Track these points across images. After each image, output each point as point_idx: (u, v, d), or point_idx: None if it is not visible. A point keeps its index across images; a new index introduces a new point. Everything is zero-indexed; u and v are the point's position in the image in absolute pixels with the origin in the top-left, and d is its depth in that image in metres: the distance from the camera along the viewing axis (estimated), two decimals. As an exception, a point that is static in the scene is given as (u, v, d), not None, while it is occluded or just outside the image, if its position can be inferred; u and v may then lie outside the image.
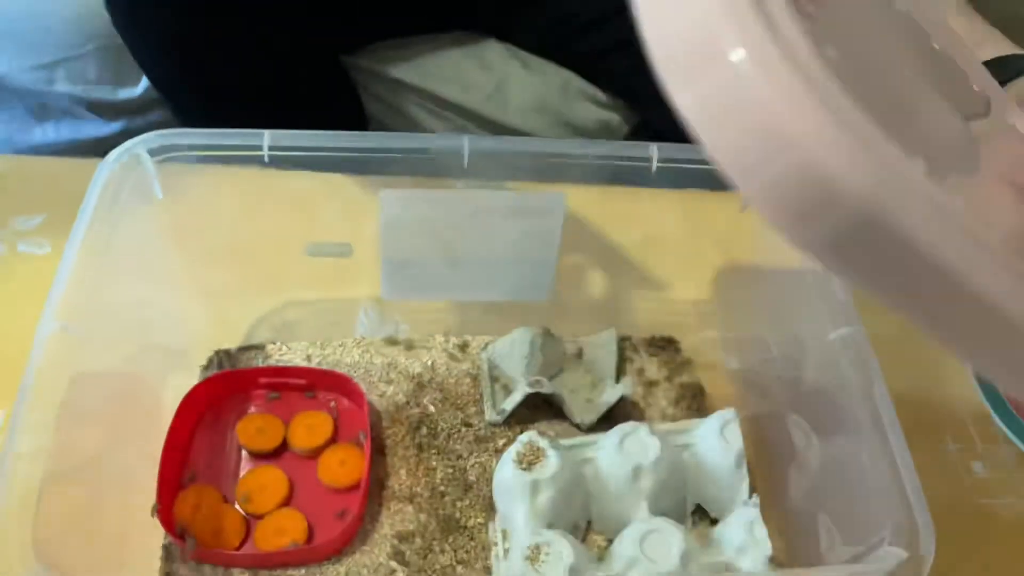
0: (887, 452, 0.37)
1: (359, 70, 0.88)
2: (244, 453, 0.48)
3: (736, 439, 0.47)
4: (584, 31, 0.85)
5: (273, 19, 0.71)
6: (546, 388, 0.50)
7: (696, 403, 0.54)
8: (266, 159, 0.46)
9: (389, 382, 0.53)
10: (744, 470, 0.47)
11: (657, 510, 0.46)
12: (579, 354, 0.55)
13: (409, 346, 0.55)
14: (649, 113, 0.86)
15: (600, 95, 0.89)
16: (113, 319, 0.44)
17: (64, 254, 0.41)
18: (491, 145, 0.48)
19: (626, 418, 0.52)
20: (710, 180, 0.48)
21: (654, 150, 0.48)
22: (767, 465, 0.50)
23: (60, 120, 0.95)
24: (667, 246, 0.56)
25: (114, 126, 0.94)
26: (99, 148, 0.94)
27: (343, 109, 0.88)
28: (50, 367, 0.37)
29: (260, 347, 0.54)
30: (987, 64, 0.46)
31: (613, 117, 0.90)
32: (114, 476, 0.44)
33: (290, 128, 0.86)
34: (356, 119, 0.90)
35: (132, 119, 0.94)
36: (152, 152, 0.45)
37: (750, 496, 0.45)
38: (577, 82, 0.89)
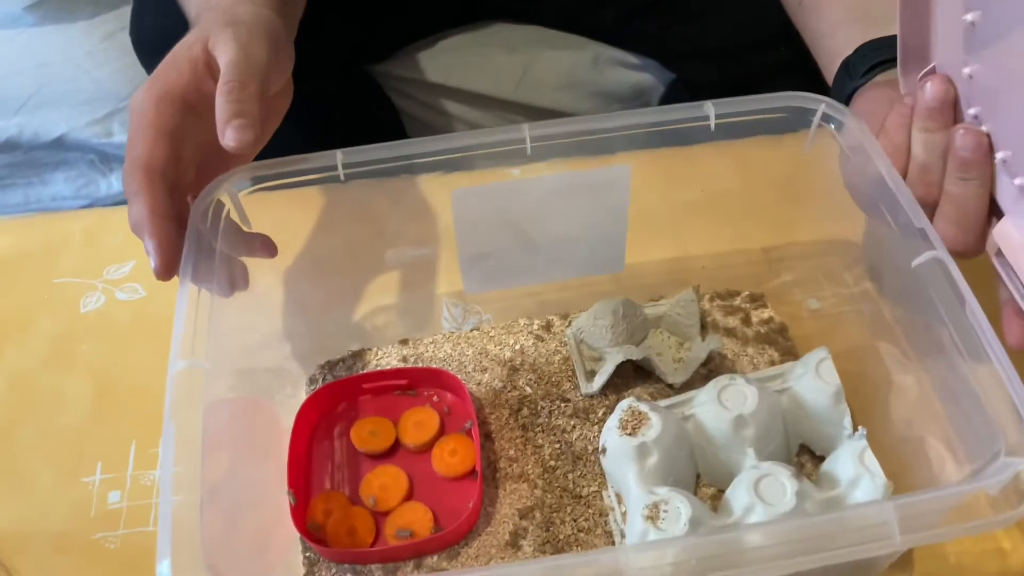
0: (990, 368, 0.37)
1: (388, 77, 0.89)
2: (362, 456, 0.51)
3: (832, 376, 0.48)
4: (604, 1, 0.84)
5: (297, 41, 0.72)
6: (635, 354, 0.52)
7: (784, 348, 0.55)
8: (342, 177, 0.48)
9: (484, 370, 0.55)
10: (844, 405, 0.48)
11: (763, 455, 0.47)
12: (661, 318, 0.56)
13: (496, 334, 0.57)
14: (684, 68, 0.86)
15: (631, 58, 0.89)
16: (226, 349, 0.47)
17: (177, 299, 0.43)
18: (550, 130, 0.49)
19: (717, 372, 0.53)
20: (765, 128, 0.49)
21: (710, 108, 0.48)
22: (865, 397, 0.50)
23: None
24: (730, 198, 0.56)
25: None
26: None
27: (379, 118, 0.90)
28: (183, 400, 0.40)
29: (359, 354, 0.56)
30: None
31: (646, 78, 0.90)
32: (248, 493, 0.47)
33: (332, 144, 0.88)
34: (394, 126, 0.91)
35: (189, 156, 0.98)
36: (237, 187, 0.47)
37: (854, 430, 0.46)
38: (606, 51, 0.89)
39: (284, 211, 0.51)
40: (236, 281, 0.47)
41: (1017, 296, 0.41)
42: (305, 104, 0.80)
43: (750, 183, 0.56)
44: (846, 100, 0.50)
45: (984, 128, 0.40)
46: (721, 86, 0.80)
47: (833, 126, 0.47)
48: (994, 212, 0.42)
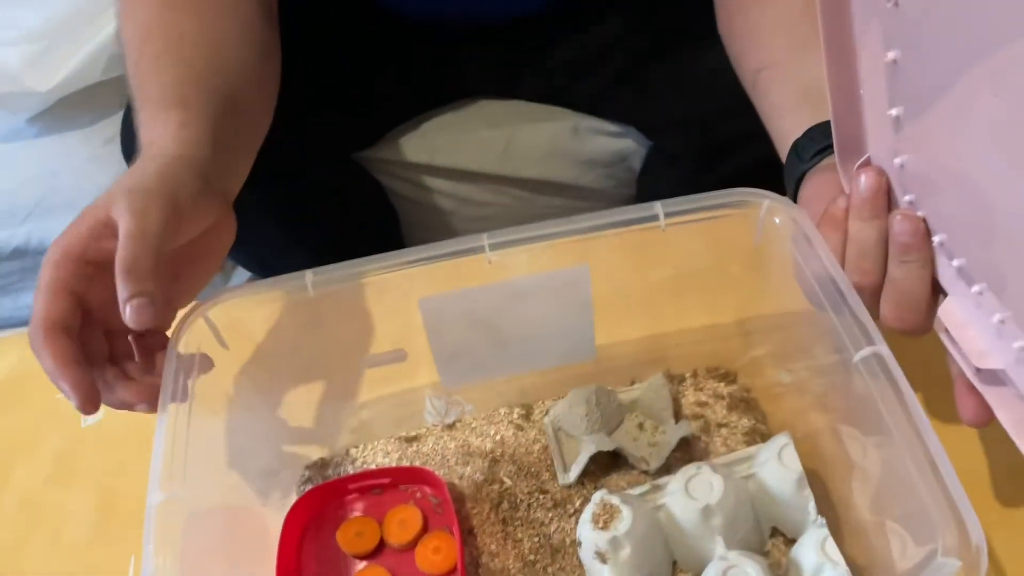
0: (929, 460, 0.39)
1: (374, 161, 0.91)
2: (348, 558, 0.53)
3: (794, 462, 0.49)
4: (583, 73, 0.87)
5: (281, 127, 0.75)
6: (606, 445, 0.53)
7: (756, 426, 0.57)
8: (311, 293, 0.51)
9: (466, 463, 0.57)
10: (807, 491, 0.49)
11: (734, 542, 0.48)
12: (635, 402, 0.58)
13: (477, 424, 0.59)
14: (660, 137, 0.88)
15: (610, 126, 0.91)
16: (212, 463, 0.50)
17: (156, 431, 0.45)
18: (509, 237, 0.51)
19: (690, 455, 0.55)
20: (721, 222, 0.51)
21: (660, 208, 0.51)
22: (835, 478, 0.51)
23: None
24: (700, 275, 0.57)
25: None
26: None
27: (369, 200, 0.92)
28: (164, 529, 0.42)
29: (345, 453, 0.58)
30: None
31: (627, 143, 0.92)
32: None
33: (325, 230, 0.90)
34: (383, 206, 0.94)
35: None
36: (212, 314, 0.50)
37: (816, 516, 0.47)
38: (586, 121, 0.91)
39: (264, 326, 0.53)
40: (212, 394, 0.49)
41: (967, 371, 0.42)
42: (295, 193, 0.83)
43: (717, 259, 0.57)
44: (796, 182, 0.52)
45: (920, 213, 0.42)
46: (696, 153, 0.83)
47: (778, 220, 0.49)
48: (939, 291, 0.43)
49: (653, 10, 0.82)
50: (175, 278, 0.48)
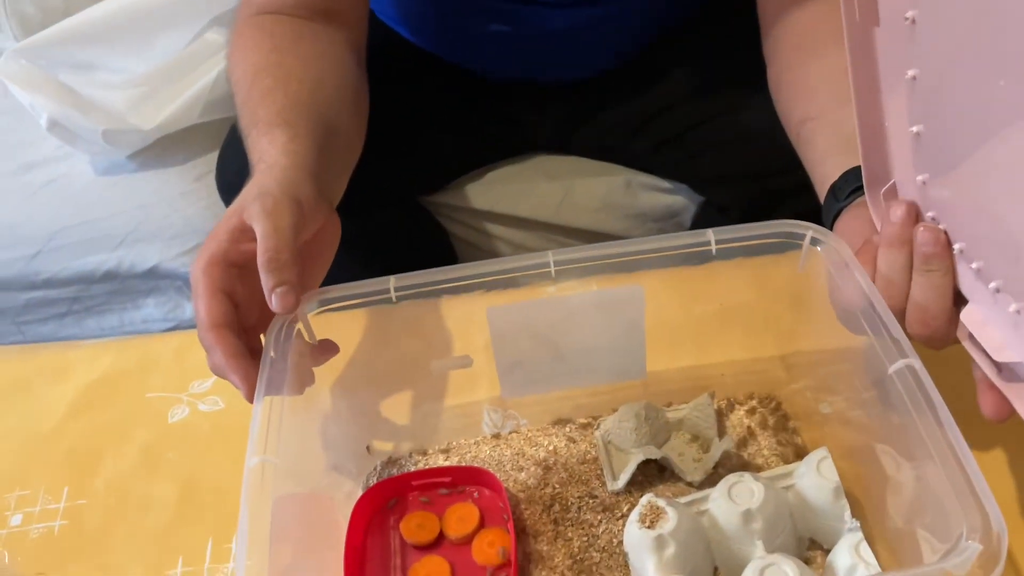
0: (960, 466, 0.42)
1: (439, 206, 0.97)
2: (410, 547, 0.57)
3: (832, 474, 0.52)
4: (633, 135, 0.92)
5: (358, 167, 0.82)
6: (655, 454, 0.57)
7: (794, 448, 0.60)
8: (394, 299, 0.56)
9: (520, 469, 0.61)
10: (843, 500, 0.52)
11: (772, 547, 0.51)
12: (682, 420, 0.62)
13: (532, 435, 0.63)
14: (711, 192, 0.93)
15: (662, 183, 0.96)
16: (293, 451, 0.54)
17: (254, 409, 0.50)
18: (572, 255, 0.56)
19: (733, 470, 0.58)
20: (763, 250, 0.56)
21: (711, 235, 0.55)
22: (870, 494, 0.54)
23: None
24: (744, 311, 0.62)
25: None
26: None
27: (432, 242, 0.98)
28: (256, 492, 0.47)
29: (409, 455, 0.63)
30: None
31: (678, 200, 0.96)
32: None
33: (388, 267, 0.96)
34: (444, 249, 1.00)
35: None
36: (306, 310, 0.56)
37: (851, 520, 0.50)
38: (639, 177, 0.96)
39: (344, 328, 0.58)
40: (304, 383, 0.54)
41: (988, 371, 0.45)
42: (364, 233, 0.89)
43: (761, 296, 0.61)
44: (832, 220, 0.56)
45: (941, 226, 0.46)
46: (745, 205, 0.87)
47: (820, 248, 0.54)
48: (959, 303, 0.47)
49: (705, 74, 0.88)
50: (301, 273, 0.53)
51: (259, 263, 0.49)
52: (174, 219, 1.05)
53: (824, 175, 0.58)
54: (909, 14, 0.40)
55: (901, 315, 0.48)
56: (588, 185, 0.97)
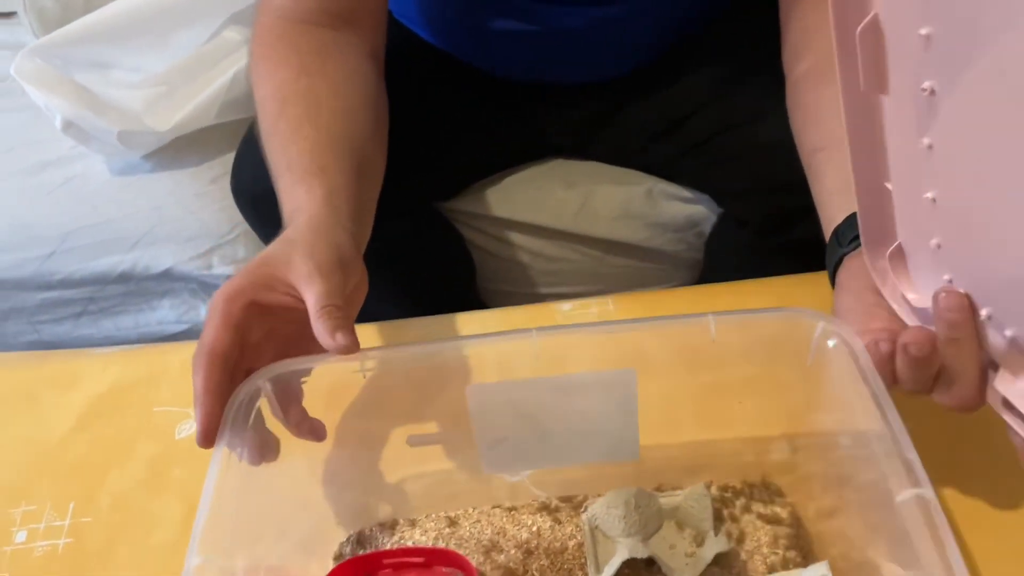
0: None
1: (456, 212, 0.95)
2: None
3: (832, 594, 0.48)
4: (653, 141, 0.89)
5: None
6: (642, 552, 0.53)
7: (797, 547, 0.55)
8: (363, 376, 0.53)
9: (500, 551, 0.57)
10: (843, 625, 0.47)
11: (764, 668, 0.47)
12: (676, 509, 0.57)
13: (516, 512, 0.59)
14: (731, 204, 0.89)
15: (683, 192, 0.93)
16: (253, 525, 0.52)
17: (204, 485, 0.48)
18: (558, 333, 0.52)
19: (727, 571, 0.54)
20: (773, 339, 0.51)
21: (711, 320, 0.50)
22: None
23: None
24: (750, 385, 0.57)
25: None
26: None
27: (449, 249, 0.96)
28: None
29: (383, 527, 0.59)
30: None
31: (698, 210, 0.93)
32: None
33: (404, 274, 0.93)
34: (462, 256, 0.97)
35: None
36: (271, 381, 0.52)
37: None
38: (659, 185, 0.94)
39: (313, 397, 0.55)
40: (267, 453, 0.52)
41: None
42: (381, 240, 0.86)
43: (768, 373, 0.56)
44: (835, 265, 0.53)
45: (961, 291, 0.42)
46: (766, 219, 0.83)
47: (832, 343, 0.48)
48: (990, 367, 0.44)
49: (728, 79, 0.84)
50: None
51: (313, 312, 0.49)
52: (189, 221, 1.03)
53: (829, 216, 0.56)
54: (927, 85, 0.37)
55: (928, 388, 0.46)
56: (607, 192, 0.95)
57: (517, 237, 0.97)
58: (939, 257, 0.42)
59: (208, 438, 0.49)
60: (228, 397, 0.49)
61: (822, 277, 0.57)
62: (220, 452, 0.49)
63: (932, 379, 0.45)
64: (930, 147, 0.39)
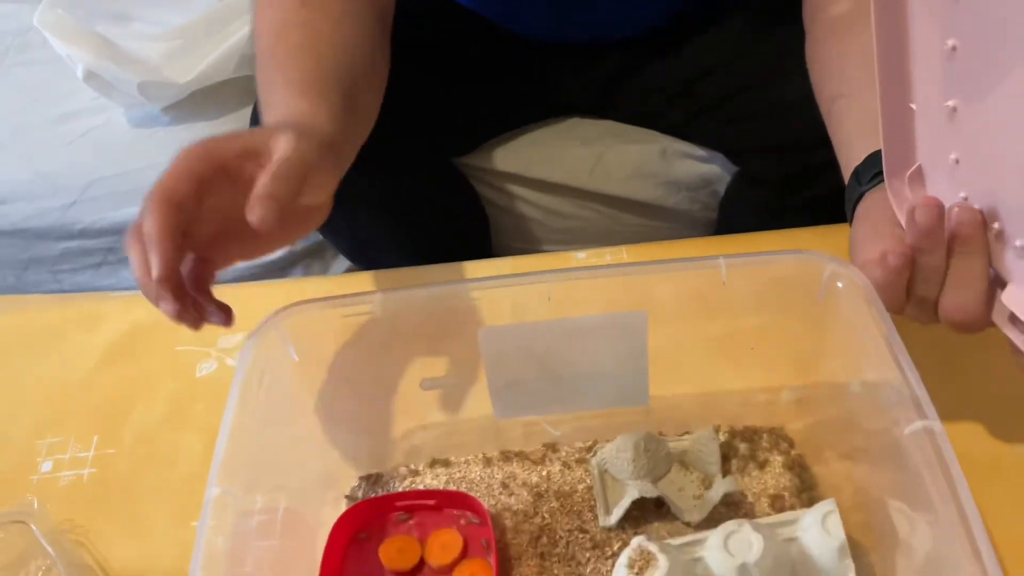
0: (972, 542, 0.39)
1: (471, 168, 0.95)
2: (389, 573, 0.55)
3: (837, 530, 0.48)
4: (670, 101, 0.89)
5: (390, 125, 0.79)
6: (651, 492, 0.54)
7: (804, 490, 0.55)
8: (378, 314, 0.53)
9: (511, 494, 0.58)
10: (848, 560, 0.48)
11: (769, 604, 0.48)
12: (685, 453, 0.58)
13: (526, 458, 0.60)
14: (747, 163, 0.89)
15: (698, 151, 0.93)
16: (269, 465, 0.53)
17: (222, 422, 0.49)
18: (571, 275, 0.52)
19: (734, 512, 0.54)
20: (784, 282, 0.51)
21: (722, 263, 0.50)
22: (880, 551, 0.50)
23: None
24: (758, 334, 0.57)
25: (280, 251, 1.07)
26: (271, 267, 1.08)
27: (463, 205, 0.96)
28: (218, 521, 0.45)
29: (396, 471, 0.60)
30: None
31: (713, 169, 0.93)
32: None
33: (420, 228, 0.94)
34: (476, 213, 0.97)
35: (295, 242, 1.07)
36: (287, 323, 0.53)
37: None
38: (674, 144, 0.93)
39: (328, 340, 0.56)
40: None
41: None
42: (396, 188, 0.87)
43: (777, 320, 0.56)
44: (854, 204, 0.53)
45: (976, 207, 0.44)
46: (782, 178, 0.83)
47: (841, 284, 0.48)
48: (996, 284, 0.45)
49: (747, 38, 0.83)
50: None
51: (265, 170, 0.45)
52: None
53: (849, 158, 0.56)
54: None
55: (934, 305, 0.47)
56: (622, 151, 0.95)
57: (531, 194, 0.97)
58: (956, 175, 0.44)
59: (169, 282, 0.45)
60: (180, 250, 0.45)
61: (836, 229, 0.57)
62: (237, 389, 0.50)
63: (939, 285, 0.46)
64: (954, 49, 0.40)
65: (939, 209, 0.44)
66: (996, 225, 0.43)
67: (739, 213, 0.93)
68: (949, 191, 0.45)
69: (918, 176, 0.46)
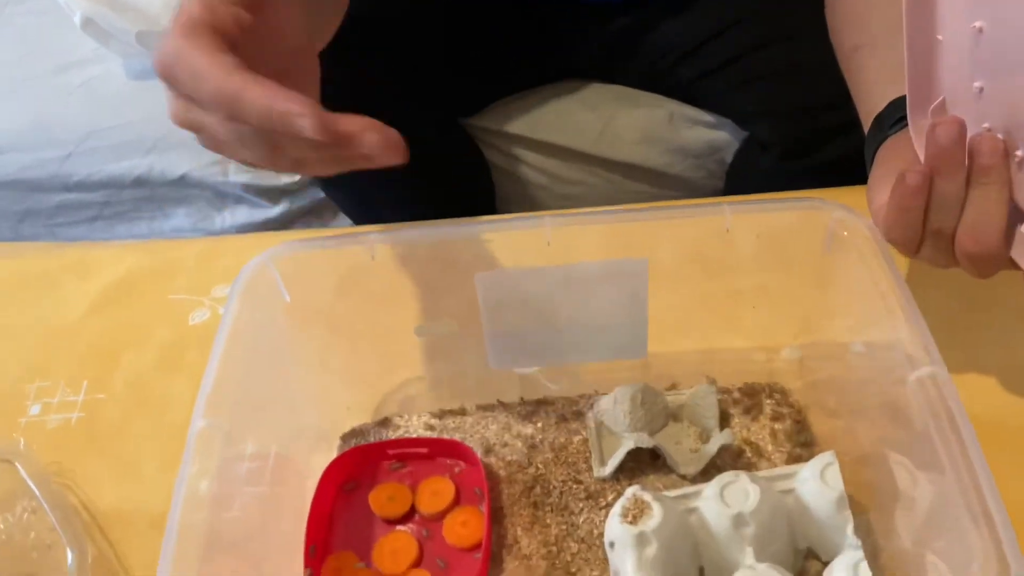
0: (977, 491, 0.38)
1: (478, 129, 0.94)
2: (378, 520, 0.54)
3: (836, 482, 0.47)
4: (681, 61, 0.88)
5: (397, 94, 0.76)
6: (647, 442, 0.53)
7: (803, 446, 0.54)
8: (373, 257, 0.52)
9: (504, 445, 0.57)
10: (847, 512, 0.47)
11: (765, 555, 0.47)
12: (682, 407, 0.57)
13: (521, 409, 0.59)
14: (754, 128, 0.88)
15: (705, 116, 0.92)
16: (258, 407, 0.52)
17: (210, 358, 0.48)
18: (571, 219, 0.51)
19: (731, 466, 0.53)
20: (789, 231, 0.50)
21: (726, 209, 0.49)
22: (879, 506, 0.49)
23: (235, 207, 1.08)
24: (760, 291, 0.56)
25: (279, 208, 1.06)
26: (269, 225, 1.07)
27: (470, 167, 0.95)
28: (201, 457, 0.45)
29: (388, 420, 0.59)
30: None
31: (720, 135, 0.92)
32: (270, 547, 0.51)
33: (425, 188, 0.93)
34: (482, 174, 0.96)
35: (293, 199, 1.06)
36: (278, 263, 0.52)
37: (853, 538, 0.45)
38: (681, 109, 0.92)
39: (322, 281, 0.55)
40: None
41: None
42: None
43: (781, 274, 0.55)
44: (875, 150, 0.52)
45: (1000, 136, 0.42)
46: (790, 142, 0.82)
47: (847, 233, 0.47)
48: (1016, 220, 0.44)
49: (759, 0, 0.82)
50: None
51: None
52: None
53: (871, 106, 0.55)
54: None
55: (950, 240, 0.45)
56: (630, 116, 0.93)
57: (537, 158, 0.96)
58: (980, 105, 0.42)
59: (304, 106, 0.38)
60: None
61: (845, 192, 0.55)
62: (227, 324, 0.49)
63: (956, 218, 0.44)
64: None
65: (960, 126, 0.42)
66: (1020, 152, 0.42)
67: (746, 181, 0.92)
68: (972, 126, 0.43)
69: (941, 110, 0.45)
